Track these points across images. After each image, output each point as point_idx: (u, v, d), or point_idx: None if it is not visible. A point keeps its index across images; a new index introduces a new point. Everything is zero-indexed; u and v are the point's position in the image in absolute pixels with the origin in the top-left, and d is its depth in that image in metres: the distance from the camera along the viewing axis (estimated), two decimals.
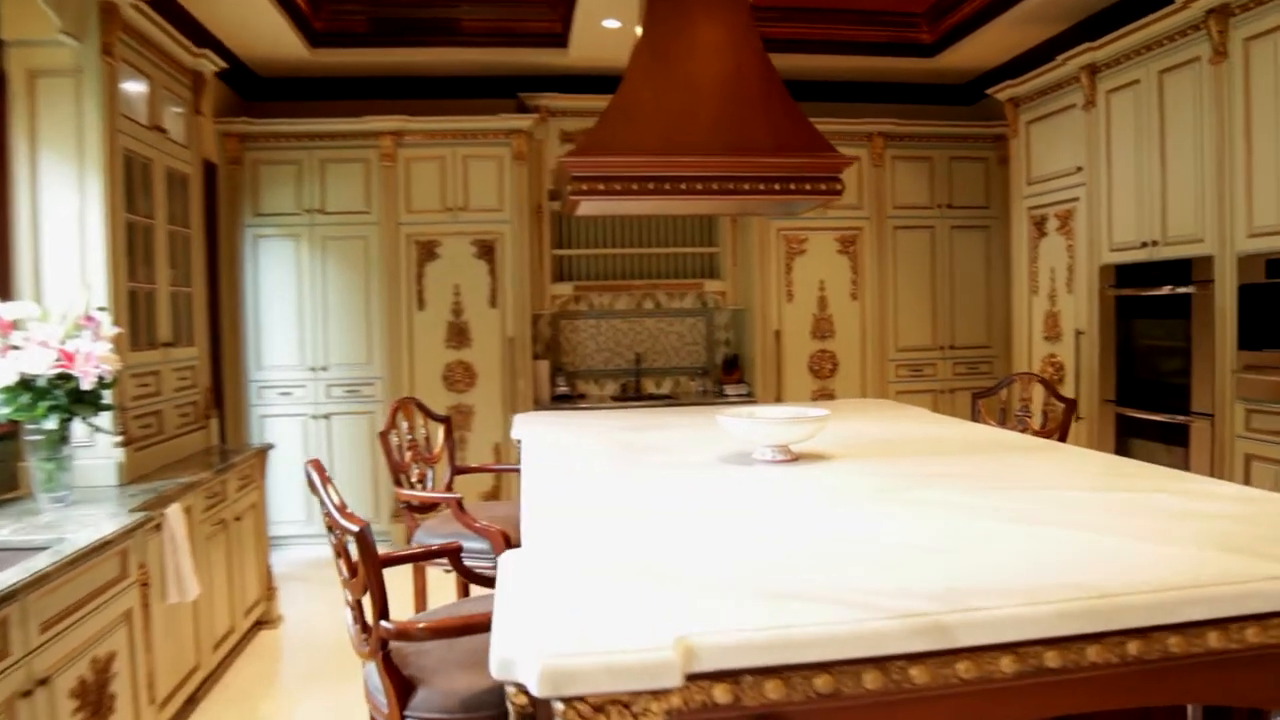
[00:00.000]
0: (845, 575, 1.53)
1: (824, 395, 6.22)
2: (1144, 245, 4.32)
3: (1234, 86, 3.78)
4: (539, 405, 5.97)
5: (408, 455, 3.42)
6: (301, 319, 5.60)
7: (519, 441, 3.75)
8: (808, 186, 4.02)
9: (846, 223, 6.19)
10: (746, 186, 3.94)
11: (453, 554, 2.42)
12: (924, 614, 1.32)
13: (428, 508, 3.45)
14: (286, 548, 5.40)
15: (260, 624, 4.22)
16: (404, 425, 3.44)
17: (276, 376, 5.60)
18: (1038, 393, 4.01)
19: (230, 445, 4.61)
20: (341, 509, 1.78)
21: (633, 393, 6.49)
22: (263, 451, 4.29)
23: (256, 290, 5.55)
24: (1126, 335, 4.50)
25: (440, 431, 3.66)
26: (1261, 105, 3.65)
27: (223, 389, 5.19)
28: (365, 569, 1.76)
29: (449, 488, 3.57)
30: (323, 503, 1.81)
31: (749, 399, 6.14)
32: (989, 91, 5.50)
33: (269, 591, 4.29)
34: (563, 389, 6.32)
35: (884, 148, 6.19)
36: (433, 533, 3.19)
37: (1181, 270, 4.08)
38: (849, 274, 6.24)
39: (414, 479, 3.43)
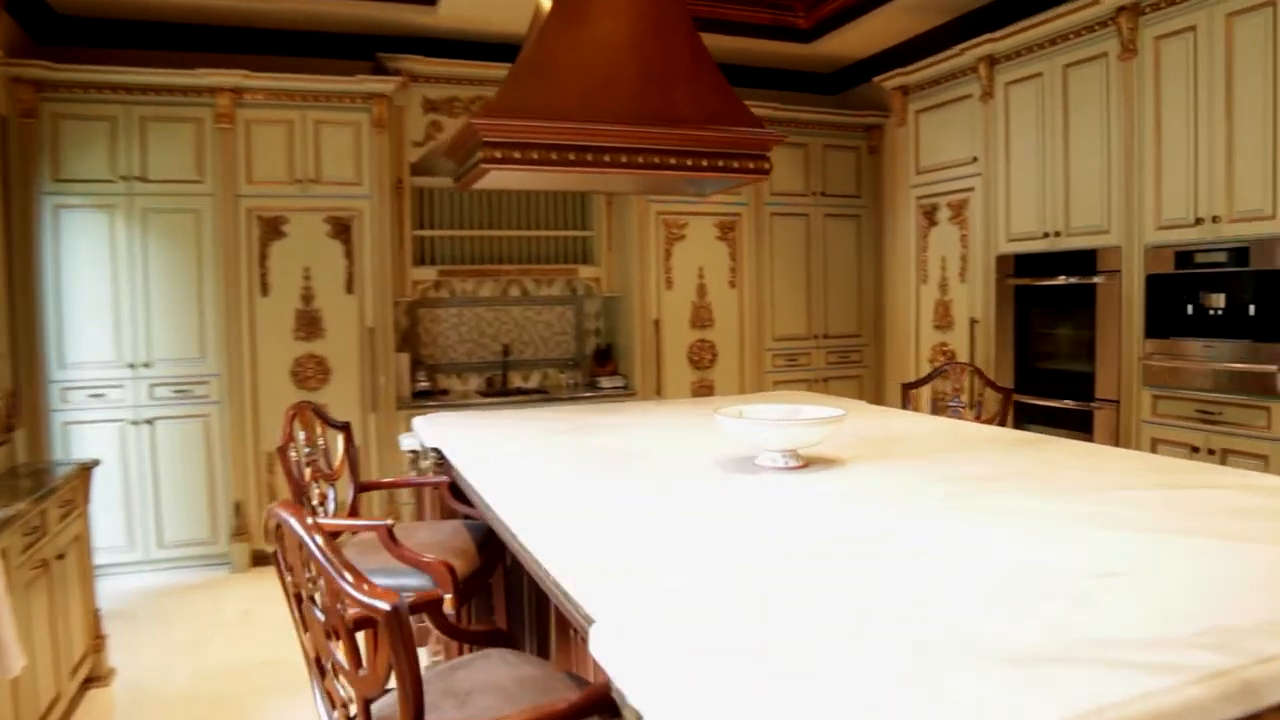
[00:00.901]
0: (1049, 619, 1.24)
1: (704, 387, 6.01)
2: (1046, 236, 4.40)
3: (1144, 83, 3.88)
4: (400, 403, 5.35)
5: (307, 472, 2.82)
6: (117, 307, 4.66)
7: (423, 452, 3.23)
8: (735, 164, 3.74)
9: (725, 208, 6.00)
10: (674, 161, 3.61)
11: (432, 605, 1.91)
12: (1222, 671, 1.05)
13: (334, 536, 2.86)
14: (106, 578, 4.48)
15: (89, 682, 3.41)
16: (301, 436, 2.83)
17: (86, 376, 4.63)
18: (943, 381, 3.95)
19: (34, 462, 3.72)
20: (360, 583, 1.26)
21: (500, 387, 5.99)
22: (87, 470, 3.47)
23: (58, 272, 4.55)
24: (1024, 324, 4.58)
25: (340, 441, 3.07)
26: (1172, 103, 3.76)
27: (18, 393, 4.20)
28: (394, 663, 1.26)
29: (354, 508, 2.99)
30: (329, 571, 1.28)
31: (626, 392, 5.82)
32: (877, 80, 5.47)
33: (97, 641, 3.49)
34: (423, 384, 5.72)
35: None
36: None
37: (1086, 260, 4.18)
38: (728, 261, 6.06)
39: (314, 501, 2.83)
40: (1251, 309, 3.55)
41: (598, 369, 6.11)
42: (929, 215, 5.15)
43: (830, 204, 6.33)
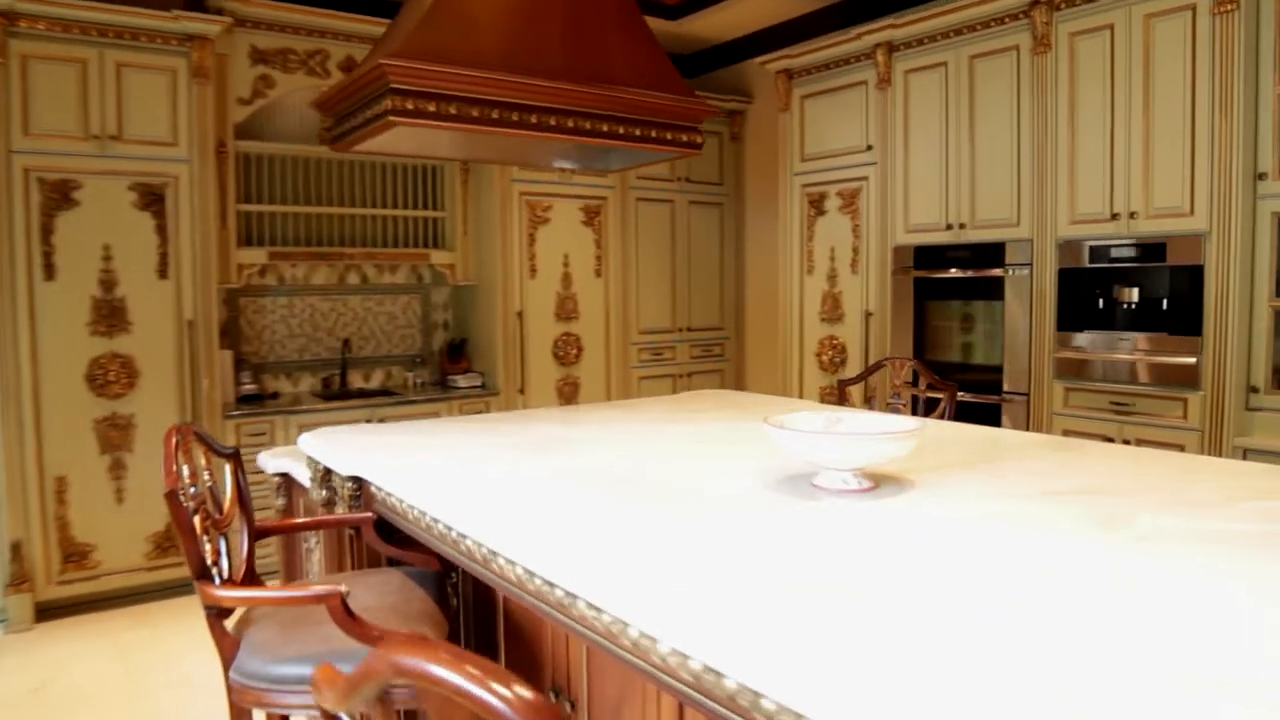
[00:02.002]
0: None
1: (569, 385, 5.54)
2: (949, 228, 4.35)
3: (1058, 78, 3.89)
4: (226, 410, 4.45)
5: (196, 520, 2.09)
6: None
7: (316, 479, 2.56)
8: (669, 136, 3.34)
9: (592, 190, 5.56)
10: (605, 128, 3.16)
11: None
12: None
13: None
14: None
15: None
16: (186, 472, 2.09)
17: None
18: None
19: None
20: None
21: (339, 389, 5.19)
22: None
23: None
24: (922, 317, 4.53)
25: (227, 474, 2.33)
26: (1088, 99, 3.79)
27: None
28: None
29: (249, 563, 2.28)
30: None
31: (485, 392, 5.23)
32: (759, 61, 5.24)
33: None
34: (249, 387, 4.82)
35: None
36: (268, 649, 1.94)
37: (993, 253, 4.17)
38: (593, 249, 5.61)
39: (208, 557, 2.10)
40: (1168, 303, 3.65)
41: (450, 366, 5.46)
42: (816, 204, 5.00)
43: (694, 191, 6.07)
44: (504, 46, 2.94)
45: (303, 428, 4.62)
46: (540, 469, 2.18)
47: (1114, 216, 3.73)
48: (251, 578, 2.22)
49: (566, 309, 5.52)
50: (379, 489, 2.26)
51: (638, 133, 3.27)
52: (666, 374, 5.98)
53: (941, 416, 3.52)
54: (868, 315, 4.73)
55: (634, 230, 5.76)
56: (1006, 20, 4.03)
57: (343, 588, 1.75)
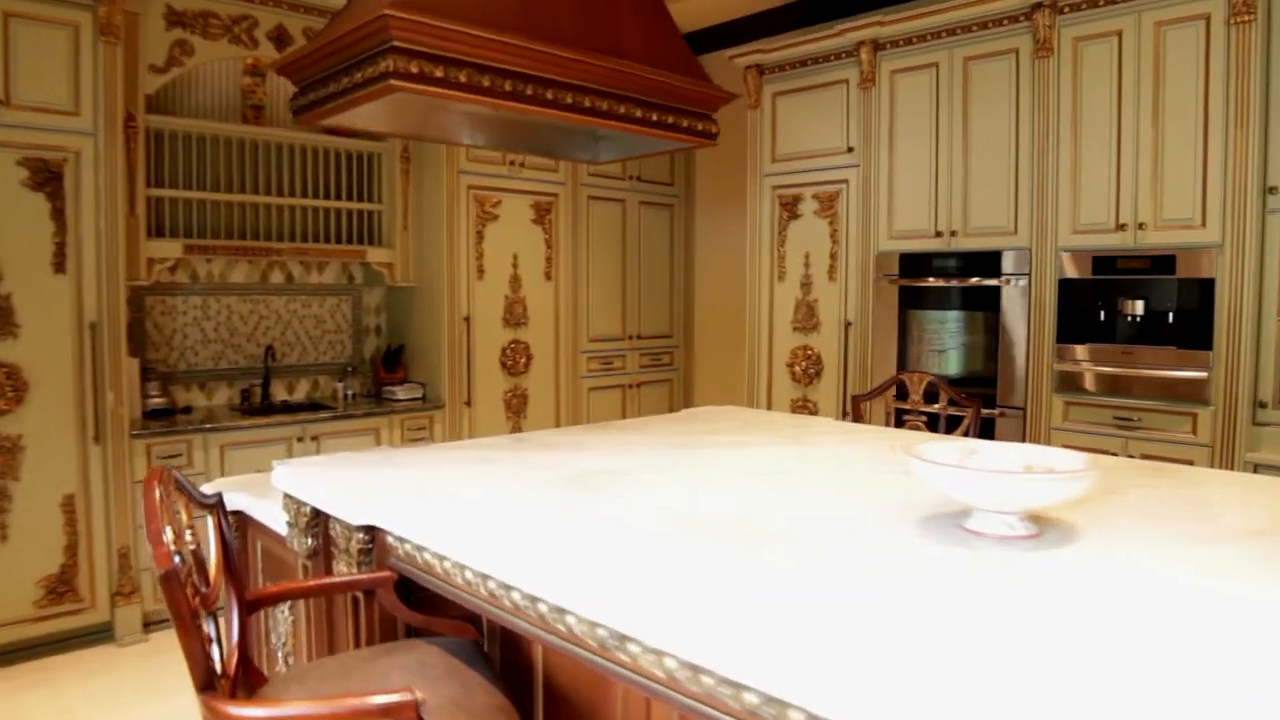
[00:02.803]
0: None
1: (518, 396, 5.11)
2: (939, 234, 4.18)
3: (1061, 84, 3.77)
4: (133, 428, 3.82)
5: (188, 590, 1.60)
6: None
7: (298, 526, 2.10)
8: (685, 124, 3.02)
9: (542, 186, 5.14)
10: (623, 109, 2.81)
11: None
12: None
13: None
14: None
15: None
16: (169, 535, 1.60)
17: None
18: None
19: None
20: None
21: (261, 402, 4.58)
22: None
23: None
24: (905, 327, 4.34)
25: (209, 529, 1.83)
26: (1094, 106, 3.68)
27: None
28: None
29: (244, 640, 1.79)
30: None
31: (427, 404, 4.74)
32: (730, 55, 4.96)
33: None
34: (156, 400, 4.18)
35: None
36: None
37: (988, 262, 4.01)
38: (543, 249, 5.20)
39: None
40: (1176, 316, 3.57)
41: (386, 375, 4.92)
42: (789, 207, 4.76)
43: (645, 191, 5.74)
44: (517, 7, 2.54)
45: (225, 448, 4.04)
46: (612, 511, 1.80)
47: (1120, 227, 3.64)
48: (248, 670, 1.74)
49: (515, 314, 5.08)
50: (402, 540, 1.82)
51: (655, 118, 2.92)
52: (616, 385, 5.62)
53: (965, 434, 3.33)
54: (847, 325, 4.52)
55: (585, 230, 5.38)
56: (1005, 22, 3.89)
57: (417, 694, 1.32)
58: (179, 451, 3.93)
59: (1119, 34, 3.60)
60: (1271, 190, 3.34)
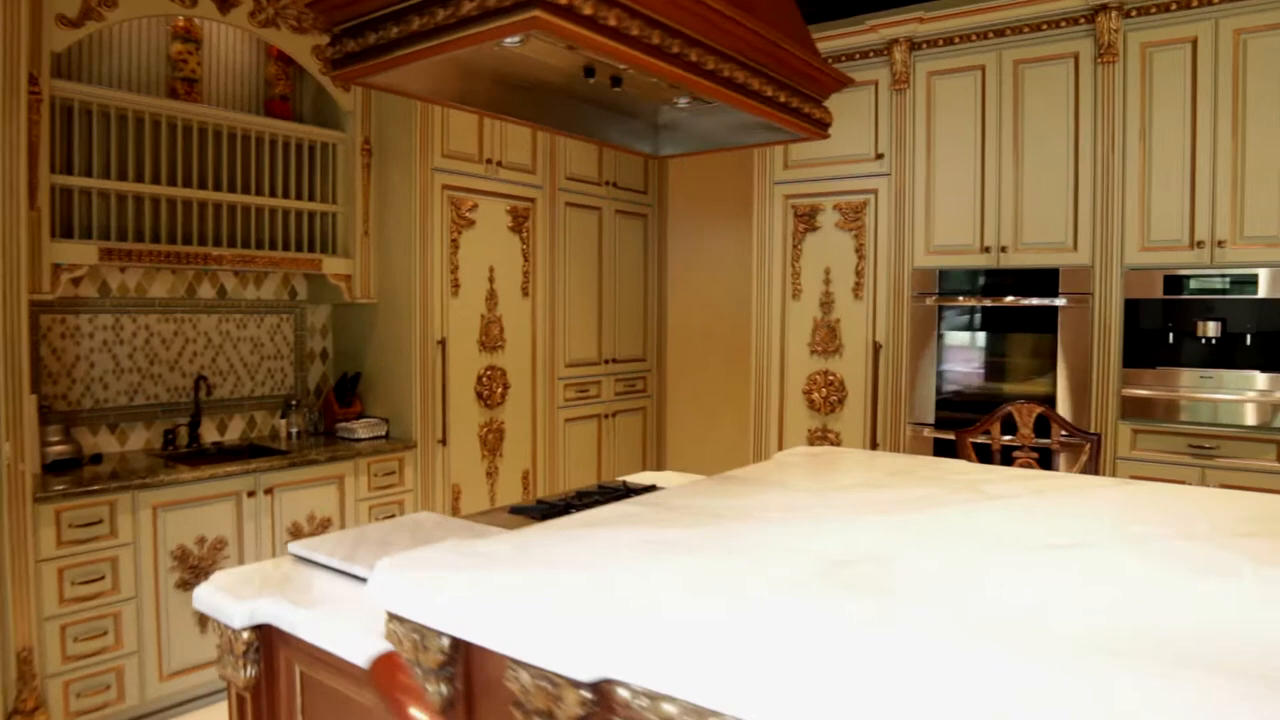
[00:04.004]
0: None
1: (494, 431, 4.42)
2: (986, 250, 3.88)
3: (1128, 91, 3.55)
4: (36, 489, 2.90)
5: None
6: None
7: (453, 659, 1.46)
8: (807, 109, 2.55)
9: (520, 189, 4.50)
10: (755, 84, 2.31)
11: None
12: None
13: None
14: None
15: None
16: None
17: None
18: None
19: None
20: None
21: (188, 445, 3.69)
22: None
23: None
24: (944, 349, 4.02)
25: None
26: (1165, 116, 3.48)
27: None
28: None
29: None
30: None
31: (392, 443, 3.98)
32: None
33: None
34: (60, 448, 3.25)
35: None
36: None
37: (1045, 280, 3.74)
38: (520, 260, 4.55)
39: None
40: (1256, 338, 3.40)
41: (339, 410, 4.12)
42: (805, 218, 4.35)
43: (621, 199, 5.20)
44: None
45: (159, 509, 3.18)
46: (936, 624, 1.26)
47: (1197, 244, 3.45)
48: None
49: (492, 336, 4.40)
50: (654, 698, 1.20)
51: (781, 99, 2.43)
52: (592, 414, 5.02)
53: (1084, 470, 3.00)
54: (877, 347, 4.15)
55: (562, 240, 4.77)
56: (1063, 24, 3.66)
57: None
58: (98, 518, 3.03)
59: (1194, 41, 3.43)
60: None
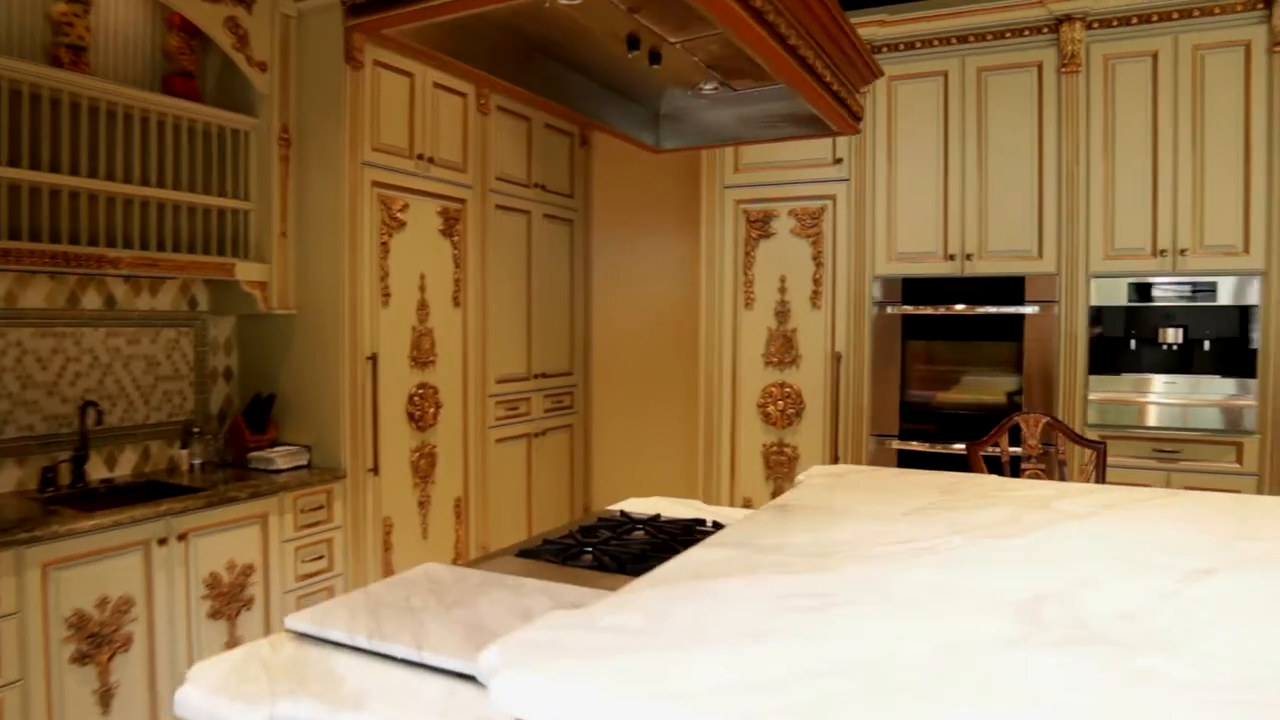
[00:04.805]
0: None
1: (425, 456, 3.97)
2: (951, 258, 3.82)
3: (1091, 101, 3.58)
4: None
5: None
6: None
7: None
8: (848, 99, 2.36)
9: (451, 189, 4.09)
10: (810, 58, 2.10)
11: None
12: None
13: None
14: None
15: None
16: None
17: None
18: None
19: None
20: None
21: (73, 484, 3.08)
22: None
23: None
24: (909, 358, 3.93)
25: None
26: (1129, 128, 3.55)
27: None
28: None
29: None
30: None
31: (317, 473, 3.49)
32: None
33: None
34: None
35: (491, 90, 4.30)
36: None
37: (1011, 288, 3.72)
38: (451, 267, 4.13)
39: None
40: (1216, 344, 3.49)
41: (251, 436, 3.57)
42: (758, 224, 4.16)
43: (550, 202, 4.85)
44: None
45: (49, 568, 2.60)
46: None
47: (1160, 253, 3.51)
48: None
49: (423, 350, 3.96)
50: None
51: (835, 85, 2.23)
52: (522, 433, 4.64)
53: (1090, 479, 2.95)
54: (837, 358, 4.02)
55: (493, 244, 4.38)
56: (1027, 33, 3.66)
57: None
58: None
59: (1154, 55, 3.50)
60: None
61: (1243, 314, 3.43)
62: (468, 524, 4.23)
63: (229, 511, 3.10)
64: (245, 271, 3.42)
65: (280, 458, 3.49)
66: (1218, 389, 3.47)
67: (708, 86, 2.38)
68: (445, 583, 1.95)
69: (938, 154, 3.84)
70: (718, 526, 2.56)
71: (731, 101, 2.53)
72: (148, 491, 3.16)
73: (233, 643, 3.11)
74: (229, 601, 3.12)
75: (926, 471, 2.84)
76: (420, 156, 3.87)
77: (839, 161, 4.00)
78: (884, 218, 3.94)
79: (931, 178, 3.86)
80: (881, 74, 2.45)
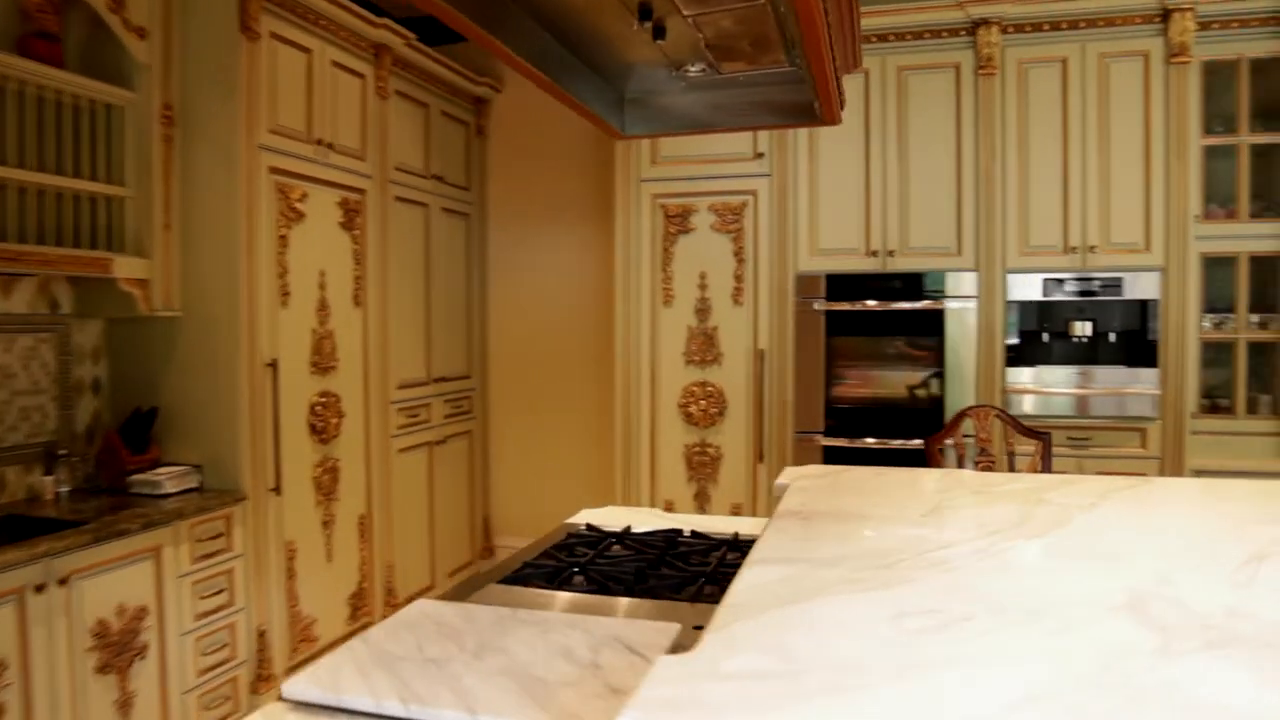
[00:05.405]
0: None
1: (328, 470, 3.60)
2: (874, 254, 3.84)
3: (1006, 104, 3.69)
4: None
5: None
6: None
7: None
8: (838, 85, 2.29)
9: (350, 179, 3.73)
10: (834, 31, 2.01)
11: None
12: None
13: None
14: None
15: None
16: None
17: None
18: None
19: None
20: None
21: None
22: None
23: None
24: (834, 354, 3.93)
25: None
26: (1041, 129, 3.69)
27: None
28: None
29: None
30: None
31: (210, 495, 3.09)
32: None
33: None
34: None
35: (390, 72, 3.95)
36: None
37: (930, 284, 3.78)
38: (351, 263, 3.77)
39: None
40: (1121, 336, 3.68)
41: (130, 457, 3.10)
42: (677, 220, 4.04)
43: (447, 195, 4.54)
44: None
45: None
46: None
47: (1070, 250, 3.67)
48: None
49: (325, 354, 3.59)
50: None
51: (833, 69, 2.13)
52: (423, 442, 4.32)
53: (1035, 470, 3.01)
54: (760, 355, 3.96)
55: (393, 239, 4.04)
56: (945, 34, 3.73)
57: None
58: None
59: (1064, 61, 3.65)
60: (1196, 218, 3.62)
61: (1144, 308, 3.64)
62: (372, 543, 3.88)
63: (119, 546, 2.66)
64: (124, 268, 2.96)
65: (168, 480, 3.05)
66: (1123, 379, 3.67)
67: (694, 68, 2.23)
68: (454, 624, 1.70)
69: (859, 151, 3.87)
70: (698, 536, 2.43)
71: (708, 87, 2.39)
72: (9, 528, 2.67)
73: (124, 700, 2.68)
74: (119, 652, 2.68)
75: (899, 469, 2.81)
76: (320, 142, 3.50)
77: (760, 156, 3.95)
78: (806, 214, 3.93)
79: (853, 174, 3.88)
80: (862, 64, 2.39)
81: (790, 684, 1.11)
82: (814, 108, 2.31)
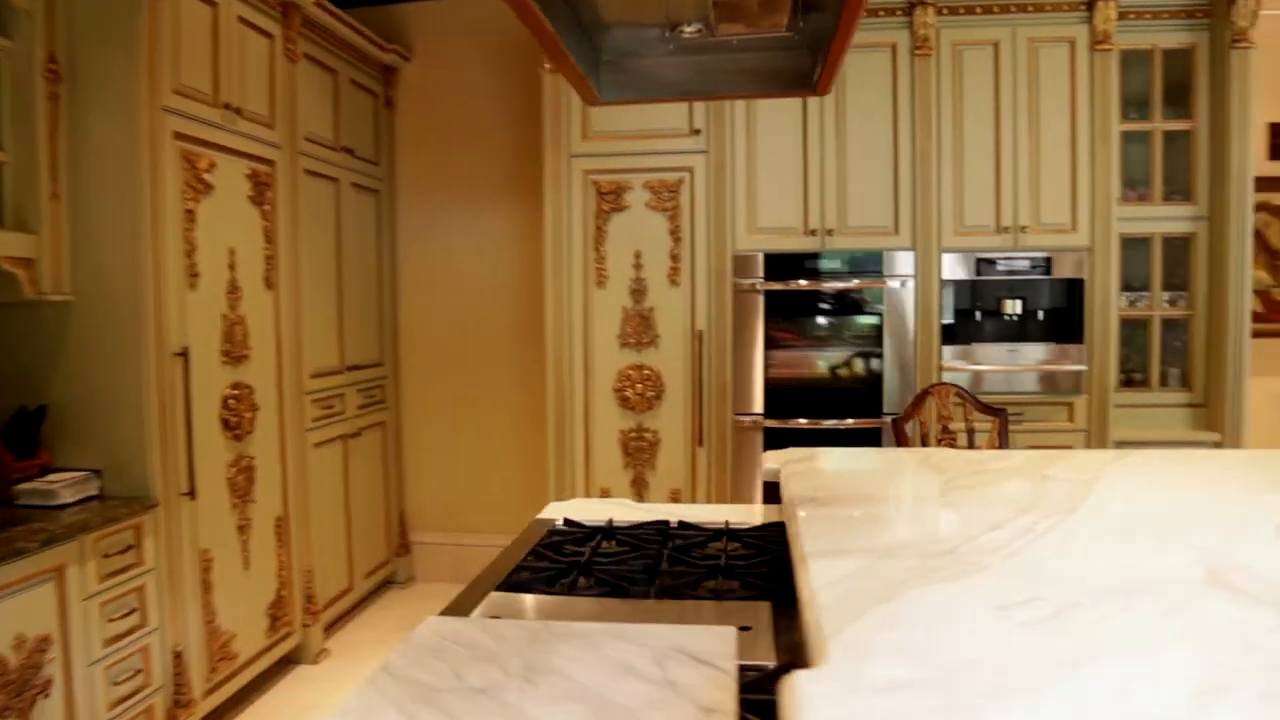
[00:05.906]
0: None
1: (243, 469, 3.27)
2: (812, 233, 3.80)
3: (941, 85, 3.72)
4: None
5: None
6: None
7: None
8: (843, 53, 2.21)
9: (259, 148, 3.38)
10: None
11: None
12: None
13: None
14: None
15: None
16: None
17: None
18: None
19: None
20: None
21: None
22: None
23: None
24: (773, 334, 3.87)
25: None
26: (975, 111, 3.73)
27: None
28: None
29: None
30: None
31: (115, 504, 2.73)
32: None
33: None
34: None
35: (299, 33, 3.60)
36: None
37: (869, 263, 3.78)
38: (262, 241, 3.42)
39: None
40: (1050, 314, 3.79)
41: (16, 463, 2.70)
42: (610, 197, 3.87)
43: (357, 169, 4.21)
44: None
45: None
46: None
47: (1003, 230, 3.74)
48: None
49: (236, 342, 3.24)
50: None
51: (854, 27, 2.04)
52: (338, 435, 4.00)
53: (994, 445, 3.05)
54: (699, 336, 3.86)
55: (304, 215, 3.70)
56: (881, 13, 3.71)
57: None
58: None
59: (996, 44, 3.71)
60: (1117, 201, 3.76)
61: (1071, 286, 3.76)
62: (290, 547, 3.56)
63: (15, 569, 2.29)
64: (4, 245, 2.55)
65: (63, 488, 2.67)
66: (1051, 355, 3.78)
67: (690, 28, 2.09)
68: (484, 645, 1.50)
69: (797, 128, 3.81)
70: (687, 527, 2.30)
71: (696, 50, 2.25)
72: None
73: None
74: (19, 692, 2.31)
75: (871, 449, 2.78)
76: (227, 106, 3.15)
77: (697, 133, 3.84)
78: (744, 192, 3.85)
79: (791, 152, 3.82)
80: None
81: (945, 694, 0.99)
82: (811, 75, 2.20)
